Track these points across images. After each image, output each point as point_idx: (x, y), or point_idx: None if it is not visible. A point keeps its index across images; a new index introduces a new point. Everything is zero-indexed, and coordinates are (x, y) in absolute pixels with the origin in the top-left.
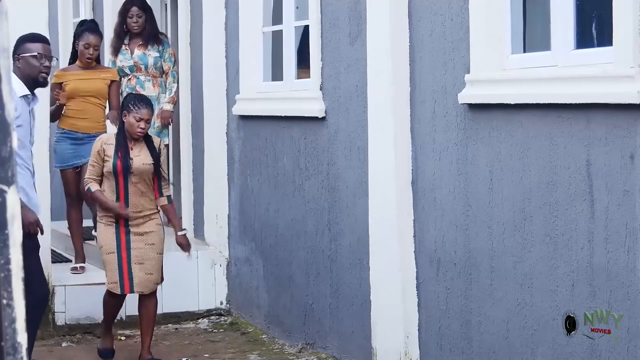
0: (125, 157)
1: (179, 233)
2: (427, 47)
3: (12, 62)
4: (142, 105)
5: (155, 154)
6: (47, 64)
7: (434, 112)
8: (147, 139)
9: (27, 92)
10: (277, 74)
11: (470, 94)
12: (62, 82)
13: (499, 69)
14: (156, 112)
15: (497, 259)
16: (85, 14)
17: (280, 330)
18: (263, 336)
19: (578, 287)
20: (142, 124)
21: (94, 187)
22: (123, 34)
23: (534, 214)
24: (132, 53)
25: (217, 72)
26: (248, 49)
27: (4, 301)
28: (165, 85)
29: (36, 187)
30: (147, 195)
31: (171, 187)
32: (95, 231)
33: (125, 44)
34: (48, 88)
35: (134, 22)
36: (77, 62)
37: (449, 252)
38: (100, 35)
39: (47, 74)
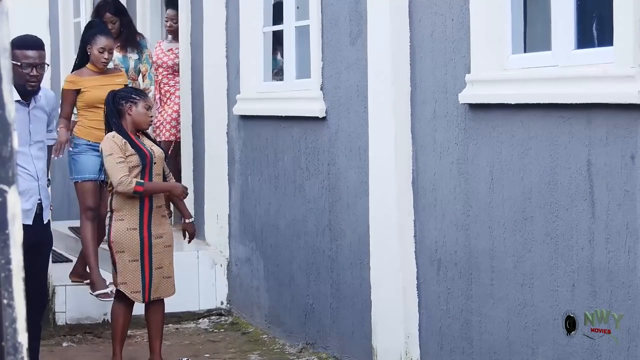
0: (147, 148)
1: (187, 220)
2: (427, 47)
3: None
4: (144, 96)
5: (158, 144)
6: (33, 72)
7: (434, 112)
8: (145, 134)
9: (17, 97)
10: (277, 73)
11: (470, 94)
12: (79, 89)
13: (499, 69)
14: None
15: (498, 259)
16: (86, 14)
17: (281, 330)
18: (264, 336)
19: (579, 287)
20: (150, 113)
21: (139, 180)
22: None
23: (535, 214)
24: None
25: (217, 72)
26: (249, 49)
27: (5, 301)
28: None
29: (41, 188)
30: None
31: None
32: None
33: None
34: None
35: (109, 29)
36: (89, 66)
37: (449, 252)
38: (112, 37)
39: (35, 82)
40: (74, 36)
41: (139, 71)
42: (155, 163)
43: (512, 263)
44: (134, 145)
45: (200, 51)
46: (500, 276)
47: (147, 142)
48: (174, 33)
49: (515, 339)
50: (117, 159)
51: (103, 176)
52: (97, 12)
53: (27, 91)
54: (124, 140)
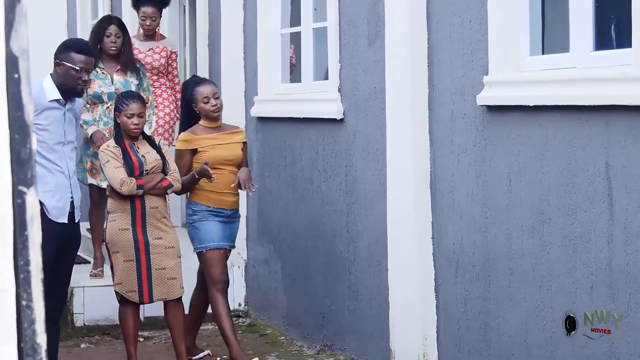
0: (137, 156)
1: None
2: (445, 49)
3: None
4: (130, 101)
5: (158, 149)
6: (85, 77)
7: (452, 114)
8: (146, 137)
9: (58, 96)
10: (294, 75)
11: (488, 96)
12: (195, 149)
13: (517, 71)
14: None
15: (516, 261)
16: (104, 15)
17: (299, 331)
18: (281, 337)
19: (597, 289)
20: (134, 120)
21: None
22: (95, 56)
23: (553, 216)
24: (111, 78)
25: (235, 74)
26: (266, 51)
27: (24, 302)
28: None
29: (73, 187)
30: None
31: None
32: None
33: (100, 67)
34: None
35: (111, 42)
36: (203, 123)
37: (467, 254)
38: (214, 84)
39: (84, 86)
40: None
41: None
42: (147, 170)
43: (530, 265)
44: (125, 154)
45: (218, 53)
46: (518, 278)
47: (143, 149)
48: (151, 32)
49: (533, 341)
50: (115, 164)
51: (226, 244)
52: (101, 23)
53: (75, 93)
54: (118, 148)
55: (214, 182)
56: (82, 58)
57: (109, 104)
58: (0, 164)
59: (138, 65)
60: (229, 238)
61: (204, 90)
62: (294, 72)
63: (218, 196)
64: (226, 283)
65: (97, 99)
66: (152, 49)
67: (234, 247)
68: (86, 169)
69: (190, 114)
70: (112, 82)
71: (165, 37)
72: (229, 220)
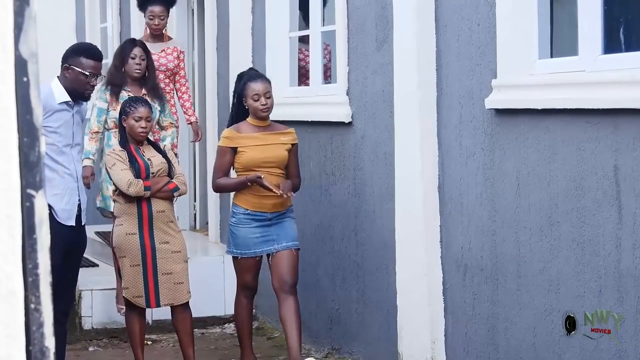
0: (143, 160)
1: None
2: (453, 52)
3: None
4: (138, 105)
5: (164, 153)
6: (94, 82)
7: (460, 117)
8: (151, 142)
9: (67, 98)
10: (303, 78)
11: (497, 99)
12: (236, 147)
13: (526, 74)
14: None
15: (524, 265)
16: (113, 19)
17: (306, 335)
18: None
19: (605, 292)
20: (142, 123)
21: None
22: (121, 78)
23: (561, 219)
24: None
25: None
26: (275, 54)
27: (32, 305)
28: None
29: (80, 189)
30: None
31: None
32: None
33: (126, 90)
34: None
35: (136, 64)
36: (250, 120)
37: (475, 257)
38: (269, 81)
39: (92, 91)
40: (101, 42)
41: (158, 124)
42: (153, 174)
43: (539, 269)
44: (131, 157)
45: (226, 56)
46: (526, 282)
47: (148, 153)
48: (159, 32)
49: (542, 344)
50: (121, 168)
51: (267, 249)
52: (124, 49)
53: (83, 98)
54: (124, 151)
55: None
56: (91, 63)
57: None
58: (9, 167)
59: (160, 91)
60: (275, 240)
61: (255, 86)
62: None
63: (257, 199)
64: (253, 290)
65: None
66: (163, 50)
67: (295, 246)
68: (110, 196)
69: (239, 108)
70: None
71: (172, 38)
72: (270, 223)
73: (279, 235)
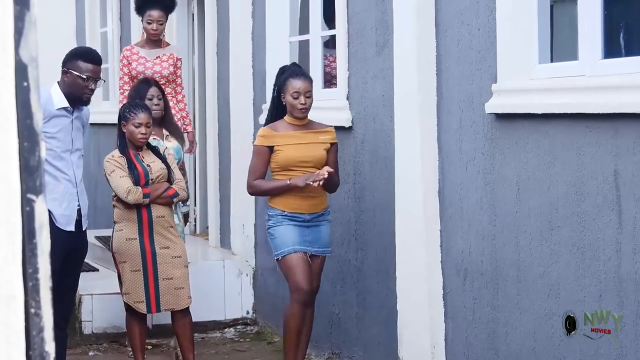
0: (142, 166)
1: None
2: (454, 57)
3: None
4: (138, 110)
5: (163, 158)
6: (92, 86)
7: (460, 122)
8: (151, 147)
9: (66, 104)
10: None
11: (497, 104)
12: (272, 146)
13: (526, 79)
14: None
15: (524, 269)
16: (113, 23)
17: None
18: None
19: (605, 297)
20: (142, 129)
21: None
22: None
23: (561, 224)
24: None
25: (243, 82)
26: (275, 59)
27: (32, 310)
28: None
29: (80, 194)
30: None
31: (185, 193)
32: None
33: None
34: None
35: (155, 105)
36: (287, 119)
37: (475, 262)
38: (311, 80)
39: (91, 95)
40: (101, 46)
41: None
42: (152, 180)
43: (539, 273)
44: (130, 163)
45: (227, 60)
46: (526, 286)
47: (148, 158)
48: (156, 37)
49: (542, 349)
50: (120, 175)
51: (303, 249)
52: (139, 91)
53: (82, 102)
54: (123, 157)
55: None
56: (89, 67)
57: None
58: (10, 172)
59: (180, 130)
60: (310, 243)
61: (297, 84)
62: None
63: (296, 200)
64: (309, 294)
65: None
66: (159, 57)
67: (327, 253)
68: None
69: (278, 104)
70: (166, 149)
71: (169, 44)
72: (308, 225)
73: (313, 239)
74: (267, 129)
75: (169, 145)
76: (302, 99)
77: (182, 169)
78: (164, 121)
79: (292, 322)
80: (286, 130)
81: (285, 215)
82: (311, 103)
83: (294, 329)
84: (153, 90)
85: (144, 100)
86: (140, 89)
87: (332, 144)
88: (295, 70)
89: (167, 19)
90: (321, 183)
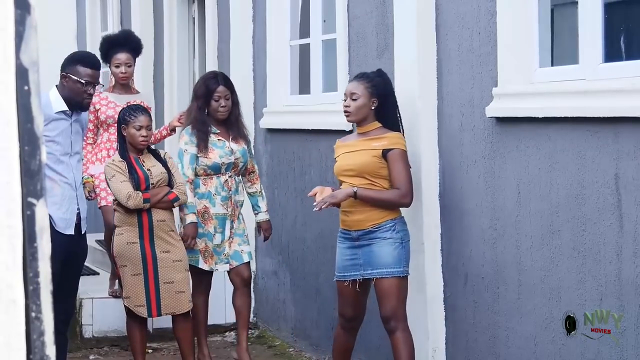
0: (143, 170)
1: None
2: (454, 61)
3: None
4: (139, 113)
5: (164, 162)
6: (91, 91)
7: (461, 126)
8: (151, 151)
9: (65, 107)
10: (304, 87)
11: (497, 108)
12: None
13: (526, 83)
14: (243, 220)
15: (525, 273)
16: (113, 27)
17: (307, 343)
18: (290, 349)
19: (606, 301)
20: (143, 132)
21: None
22: (206, 121)
23: (562, 227)
24: (230, 147)
25: (244, 86)
26: (275, 62)
27: (33, 314)
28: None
29: (79, 198)
30: None
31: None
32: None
33: (215, 133)
34: None
35: (221, 107)
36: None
37: (476, 265)
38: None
39: (90, 99)
40: None
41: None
42: (153, 184)
43: (539, 277)
44: (130, 168)
45: (227, 64)
46: (527, 290)
47: (148, 162)
48: (126, 81)
49: (543, 353)
50: (120, 179)
51: (353, 274)
52: (207, 82)
53: (80, 107)
54: (124, 162)
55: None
56: (88, 72)
57: (227, 175)
58: (10, 176)
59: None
60: (362, 265)
61: (347, 87)
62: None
63: (342, 215)
64: (349, 320)
65: (214, 170)
66: (128, 102)
67: (383, 275)
68: (198, 250)
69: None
70: (232, 152)
71: (139, 92)
72: (358, 244)
73: (365, 261)
74: (339, 140)
75: (234, 147)
76: (347, 102)
77: (252, 171)
78: (229, 122)
79: (335, 343)
80: (352, 138)
81: (340, 232)
82: (356, 106)
83: (336, 350)
84: (221, 90)
85: (211, 100)
86: (209, 87)
87: (388, 149)
88: (359, 75)
89: (134, 62)
90: (318, 209)
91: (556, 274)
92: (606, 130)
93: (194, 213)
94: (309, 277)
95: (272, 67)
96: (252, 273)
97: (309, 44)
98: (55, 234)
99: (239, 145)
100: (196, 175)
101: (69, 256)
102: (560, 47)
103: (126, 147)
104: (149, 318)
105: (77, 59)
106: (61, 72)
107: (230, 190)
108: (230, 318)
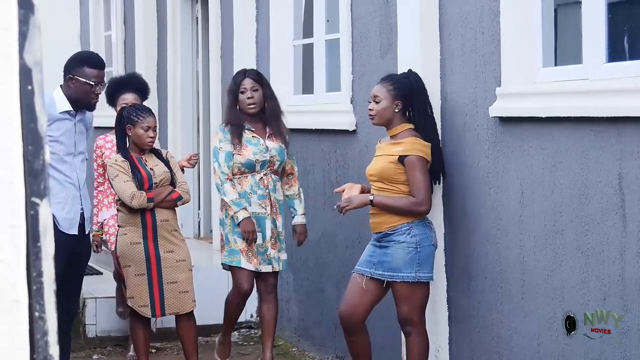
0: (146, 169)
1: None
2: (458, 61)
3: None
4: (146, 114)
5: (166, 162)
6: (99, 91)
7: (464, 125)
8: (153, 150)
9: (69, 107)
10: (307, 87)
11: (501, 107)
12: None
13: (530, 82)
14: (283, 226)
15: (528, 273)
16: (117, 27)
17: (310, 343)
18: (293, 349)
19: (610, 301)
20: (150, 133)
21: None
22: (239, 117)
23: (565, 227)
24: (264, 144)
25: None
26: (279, 62)
27: (36, 314)
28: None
29: (83, 198)
30: None
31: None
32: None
33: (250, 130)
34: None
35: (247, 99)
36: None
37: (479, 265)
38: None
39: (97, 99)
40: (105, 49)
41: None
42: (155, 184)
43: (543, 277)
44: (133, 167)
45: (230, 64)
46: (530, 290)
47: (151, 162)
48: None
49: (546, 353)
50: (123, 179)
51: (364, 270)
52: (234, 83)
53: (88, 107)
54: (127, 162)
55: None
56: (95, 72)
57: (262, 173)
58: (14, 176)
59: (284, 129)
60: (375, 265)
61: (374, 88)
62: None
63: (369, 217)
64: (345, 319)
65: (248, 168)
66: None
67: (386, 278)
68: (239, 251)
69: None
70: (267, 149)
71: None
72: (379, 245)
73: (379, 262)
74: (379, 140)
75: (270, 145)
76: (371, 104)
77: (291, 173)
78: (266, 119)
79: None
80: (384, 142)
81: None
82: (379, 109)
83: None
84: (247, 82)
85: (238, 93)
86: (235, 81)
87: (404, 155)
88: (386, 76)
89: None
90: (342, 211)
91: (559, 273)
92: (609, 130)
93: (243, 208)
94: (313, 277)
95: (276, 66)
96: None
97: (312, 43)
98: (58, 234)
99: (275, 143)
100: (233, 174)
101: (73, 256)
102: (564, 47)
103: (128, 147)
104: (152, 318)
105: (83, 60)
106: (66, 74)
107: (268, 188)
108: None
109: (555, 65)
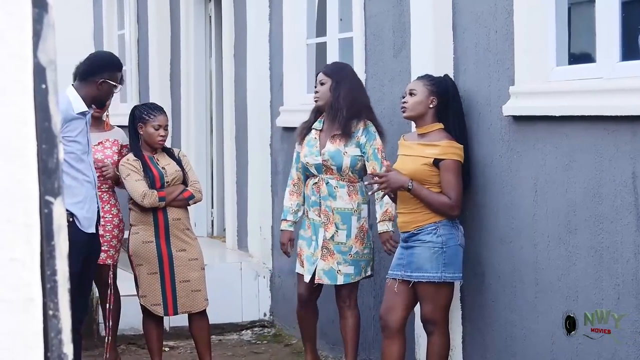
0: (158, 169)
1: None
2: (471, 59)
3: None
4: (157, 113)
5: (178, 161)
6: (117, 91)
7: (478, 124)
8: (165, 149)
9: (85, 108)
10: None
11: (514, 106)
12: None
13: (543, 81)
14: (353, 236)
15: (542, 272)
16: (130, 26)
17: (324, 342)
18: None
19: (623, 300)
20: (161, 132)
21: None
22: (312, 114)
23: (579, 226)
24: (322, 146)
25: (260, 84)
26: (292, 61)
27: (50, 312)
28: (365, 192)
29: (97, 197)
30: None
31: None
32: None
33: (316, 129)
34: None
35: (315, 93)
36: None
37: (493, 264)
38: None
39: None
40: (118, 48)
41: (362, 170)
42: (167, 182)
43: (556, 276)
44: (145, 166)
45: (244, 63)
46: (544, 289)
47: (163, 161)
48: (99, 115)
49: (560, 352)
50: (135, 178)
51: (395, 273)
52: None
53: (103, 105)
54: (138, 161)
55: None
56: (120, 75)
57: (318, 178)
58: (28, 175)
59: (366, 122)
60: (404, 267)
61: (408, 85)
62: None
63: (397, 217)
64: (384, 321)
65: (306, 170)
66: (101, 142)
67: (414, 278)
68: (297, 254)
69: None
70: (320, 152)
71: (113, 127)
72: (406, 245)
73: (407, 262)
74: (403, 136)
75: (328, 147)
76: (406, 99)
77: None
78: (332, 116)
79: (386, 352)
80: (411, 138)
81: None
82: (412, 103)
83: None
84: (318, 76)
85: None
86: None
87: (440, 159)
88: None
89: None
90: (372, 191)
91: (573, 272)
92: (623, 129)
93: (285, 220)
94: None
95: (289, 65)
96: (269, 271)
97: (325, 42)
98: (79, 234)
99: (333, 145)
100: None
101: (89, 254)
102: (577, 46)
103: (140, 146)
104: (165, 317)
105: (114, 64)
106: (96, 78)
107: (320, 195)
108: (247, 316)
109: (569, 64)
